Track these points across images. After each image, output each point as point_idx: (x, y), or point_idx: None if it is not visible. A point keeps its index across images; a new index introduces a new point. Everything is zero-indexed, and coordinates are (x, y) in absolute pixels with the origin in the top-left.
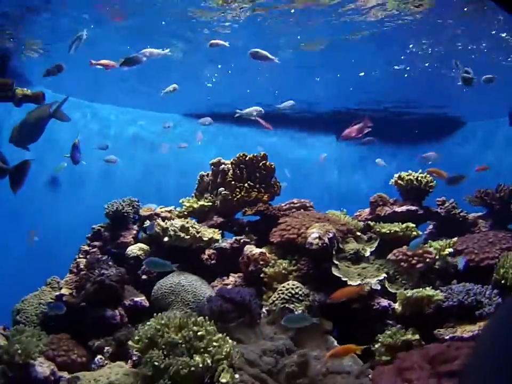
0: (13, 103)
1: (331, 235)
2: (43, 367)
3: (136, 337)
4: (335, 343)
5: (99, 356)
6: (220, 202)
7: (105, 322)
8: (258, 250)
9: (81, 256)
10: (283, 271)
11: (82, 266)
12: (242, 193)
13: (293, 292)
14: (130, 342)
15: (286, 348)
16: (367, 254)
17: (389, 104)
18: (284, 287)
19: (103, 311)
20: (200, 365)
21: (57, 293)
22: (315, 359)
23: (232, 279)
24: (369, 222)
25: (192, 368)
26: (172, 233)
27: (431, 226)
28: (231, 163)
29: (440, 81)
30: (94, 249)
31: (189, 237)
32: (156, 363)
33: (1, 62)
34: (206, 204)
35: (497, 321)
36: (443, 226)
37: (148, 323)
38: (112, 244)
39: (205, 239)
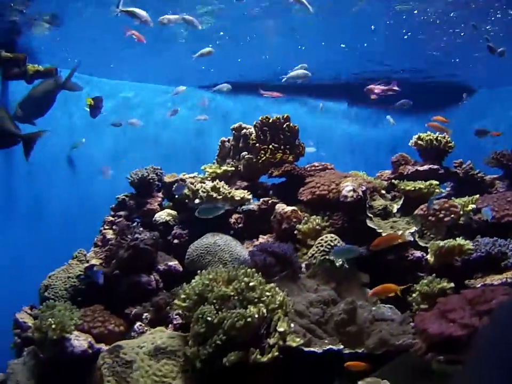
0: (24, 79)
1: (364, 188)
2: (80, 340)
3: (183, 296)
4: None
5: (138, 323)
6: (243, 167)
7: (141, 289)
8: (290, 208)
9: (106, 227)
10: (317, 227)
11: (110, 236)
12: (267, 155)
13: (332, 244)
14: (176, 301)
15: (331, 298)
16: (394, 210)
17: (405, 72)
18: (322, 239)
19: (138, 277)
20: (256, 316)
21: (86, 265)
22: (360, 308)
23: (262, 240)
24: (393, 180)
25: (248, 319)
26: (203, 194)
27: (448, 188)
28: (254, 126)
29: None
30: (120, 219)
31: (220, 197)
32: (209, 318)
33: (9, 37)
34: (229, 168)
35: (495, 323)
36: (461, 187)
37: (193, 280)
38: (138, 212)
39: (237, 198)
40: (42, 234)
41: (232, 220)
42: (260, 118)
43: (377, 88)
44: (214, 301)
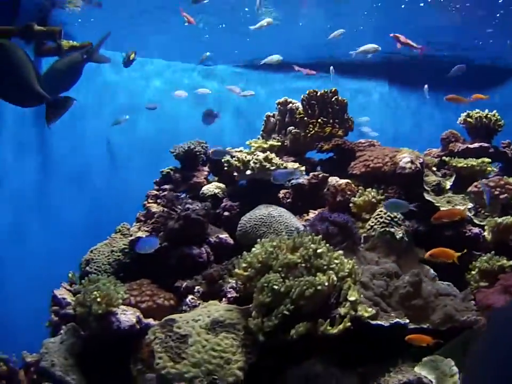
0: (59, 56)
1: (421, 160)
2: (127, 315)
3: (244, 264)
4: (431, 271)
5: (190, 297)
6: (290, 141)
7: (192, 261)
8: (344, 180)
9: (150, 201)
10: (372, 200)
11: (155, 210)
12: (316, 129)
13: (392, 216)
14: (236, 270)
15: (394, 271)
16: (448, 186)
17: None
18: (381, 211)
19: (189, 249)
20: (326, 283)
21: (131, 238)
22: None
23: (313, 215)
24: (443, 157)
25: (318, 287)
26: (255, 165)
27: (496, 169)
28: (302, 100)
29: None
30: (165, 192)
31: (274, 167)
32: (275, 287)
33: (43, 11)
34: (275, 143)
35: (495, 326)
36: (510, 167)
37: (254, 249)
38: (184, 185)
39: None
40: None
41: (280, 195)
42: (307, 92)
43: (403, 38)
44: (280, 268)
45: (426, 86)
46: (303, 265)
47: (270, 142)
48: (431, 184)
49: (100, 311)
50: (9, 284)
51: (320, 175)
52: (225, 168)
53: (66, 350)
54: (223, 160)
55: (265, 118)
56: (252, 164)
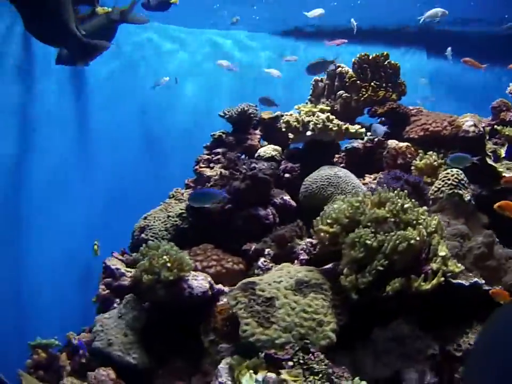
0: (91, 5)
1: (484, 124)
2: (199, 280)
3: (329, 220)
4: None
5: (262, 259)
6: (340, 106)
7: (258, 223)
8: (404, 143)
9: (202, 165)
10: (434, 163)
11: (209, 174)
12: (369, 93)
13: (459, 178)
14: (320, 226)
15: (466, 232)
16: (503, 154)
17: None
18: (448, 173)
19: (256, 211)
20: (417, 238)
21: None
22: None
23: (369, 179)
24: (495, 126)
25: (411, 242)
26: (316, 125)
27: None
28: (353, 63)
29: None
30: (218, 156)
31: (336, 128)
32: (368, 242)
33: None
34: (325, 107)
35: (494, 328)
36: None
37: (337, 205)
38: (238, 148)
39: (351, 131)
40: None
41: (335, 159)
42: (358, 55)
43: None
44: (368, 223)
45: (449, 48)
46: (392, 220)
47: (320, 106)
48: (488, 151)
49: (171, 277)
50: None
51: (375, 139)
52: (284, 129)
53: (127, 325)
54: (281, 120)
55: (313, 82)
56: (312, 124)
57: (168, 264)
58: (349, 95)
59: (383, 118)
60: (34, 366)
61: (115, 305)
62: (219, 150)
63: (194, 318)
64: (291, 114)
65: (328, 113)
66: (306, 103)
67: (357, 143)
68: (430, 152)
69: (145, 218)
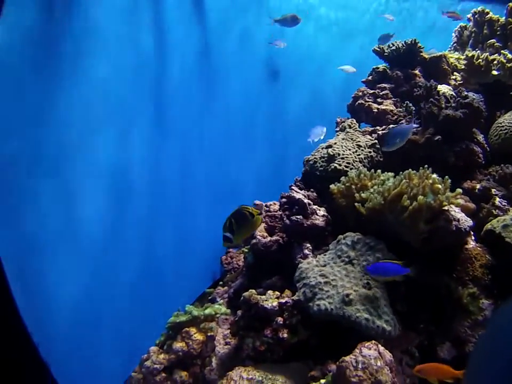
0: None
1: None
2: (458, 212)
3: None
4: None
5: (498, 199)
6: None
7: (472, 158)
8: None
9: (368, 100)
10: None
11: (385, 107)
12: None
13: None
14: None
15: None
16: None
17: None
18: None
19: (470, 144)
20: None
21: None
22: None
23: None
24: None
25: None
26: (505, 65)
27: None
28: (510, 6)
29: None
30: (385, 91)
31: None
32: None
33: None
34: (474, 54)
35: (495, 327)
36: None
37: None
38: (407, 84)
39: None
40: None
41: None
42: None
43: None
44: None
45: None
46: None
47: (472, 53)
48: None
49: (445, 202)
50: None
51: None
52: (463, 67)
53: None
54: (467, 54)
55: (458, 29)
56: (497, 64)
57: (436, 187)
58: (500, 44)
59: None
60: None
61: (306, 251)
62: (385, 85)
63: (445, 263)
64: (458, 58)
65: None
66: (450, 51)
67: None
68: None
69: (330, 147)
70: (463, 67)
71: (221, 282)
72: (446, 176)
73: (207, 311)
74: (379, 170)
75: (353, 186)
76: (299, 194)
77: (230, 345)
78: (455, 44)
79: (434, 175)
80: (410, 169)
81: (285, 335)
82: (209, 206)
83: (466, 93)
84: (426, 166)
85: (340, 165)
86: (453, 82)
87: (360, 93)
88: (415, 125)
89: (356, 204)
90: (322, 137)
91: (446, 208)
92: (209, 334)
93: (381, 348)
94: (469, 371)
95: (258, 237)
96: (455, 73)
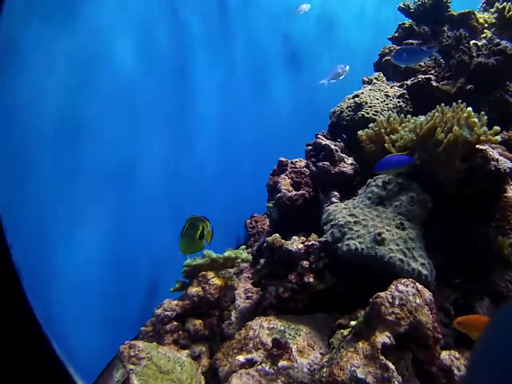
0: None
1: None
2: (495, 154)
3: None
4: None
5: None
6: None
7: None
8: None
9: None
10: None
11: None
12: None
13: None
14: None
15: None
16: None
17: None
18: None
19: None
20: None
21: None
22: None
23: None
24: None
25: None
26: None
27: None
28: None
29: None
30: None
31: None
32: None
33: None
34: (506, 5)
35: (496, 328)
36: None
37: None
38: (434, 41)
39: None
40: None
41: None
42: None
43: None
44: None
45: None
46: None
47: (503, 5)
48: None
49: (483, 137)
50: None
51: None
52: (494, 21)
53: (399, 213)
54: (497, 6)
55: None
56: None
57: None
58: None
59: None
60: None
61: (334, 199)
62: (412, 41)
63: (483, 211)
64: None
65: None
66: (479, 10)
67: None
68: None
69: (357, 96)
70: (493, 21)
71: (243, 246)
72: (482, 112)
73: (226, 254)
74: (409, 115)
75: (382, 130)
76: (326, 141)
77: (252, 299)
78: (484, 4)
79: (469, 108)
80: (443, 104)
81: (311, 280)
82: (232, 172)
83: (498, 40)
84: (460, 100)
85: (367, 113)
86: (483, 41)
87: (387, 50)
88: (429, 50)
89: (386, 144)
90: (342, 77)
91: (483, 147)
92: (229, 283)
93: (419, 286)
94: (469, 371)
95: (283, 190)
96: (485, 30)
